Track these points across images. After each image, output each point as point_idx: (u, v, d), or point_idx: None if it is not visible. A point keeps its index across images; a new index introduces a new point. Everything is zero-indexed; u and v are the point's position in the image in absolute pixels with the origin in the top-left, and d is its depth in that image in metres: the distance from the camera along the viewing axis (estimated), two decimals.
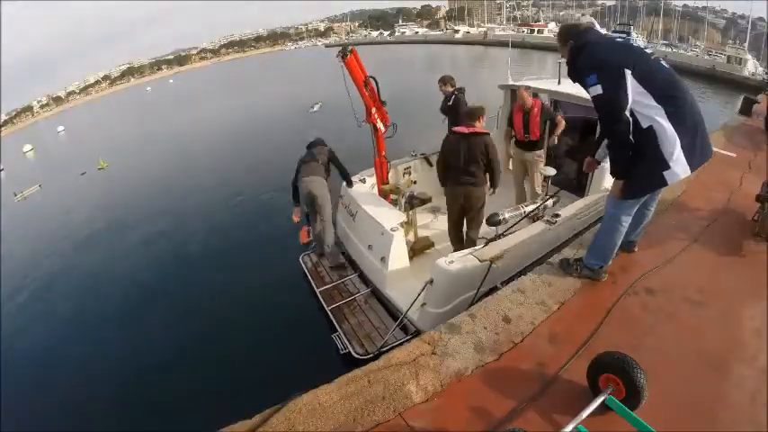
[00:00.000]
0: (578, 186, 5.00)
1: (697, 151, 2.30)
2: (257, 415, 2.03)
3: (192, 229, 8.22)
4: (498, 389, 2.11)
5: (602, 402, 1.82)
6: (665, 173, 2.30)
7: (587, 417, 1.76)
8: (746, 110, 7.74)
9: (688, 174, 2.32)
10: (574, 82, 2.49)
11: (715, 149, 5.17)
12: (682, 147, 2.25)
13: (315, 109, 19.21)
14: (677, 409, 1.94)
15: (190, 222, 8.62)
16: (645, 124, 2.24)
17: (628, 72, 2.18)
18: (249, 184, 10.29)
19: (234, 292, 5.56)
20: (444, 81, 5.16)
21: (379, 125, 4.37)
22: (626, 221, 2.62)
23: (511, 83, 5.63)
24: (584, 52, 2.31)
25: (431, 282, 3.19)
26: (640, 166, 2.33)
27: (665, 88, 2.23)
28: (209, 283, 5.99)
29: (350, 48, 3.91)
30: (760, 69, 21.72)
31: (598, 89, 2.21)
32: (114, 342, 5.13)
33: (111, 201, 11.63)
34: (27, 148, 32.38)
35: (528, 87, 4.76)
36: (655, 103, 2.21)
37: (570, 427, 1.71)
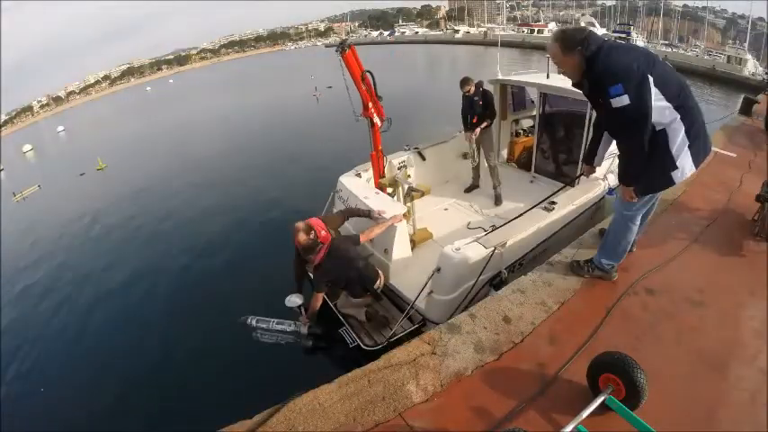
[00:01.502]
0: (563, 175, 5.30)
1: (701, 149, 2.32)
2: (257, 415, 2.04)
3: (190, 228, 8.24)
4: (498, 389, 2.11)
5: (602, 402, 1.83)
6: (672, 173, 2.31)
7: (587, 417, 1.76)
8: (746, 110, 7.73)
9: (694, 171, 2.33)
10: (587, 95, 2.37)
11: (715, 149, 5.22)
12: (689, 147, 2.26)
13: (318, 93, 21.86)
14: (677, 409, 1.94)
15: (187, 222, 8.64)
16: (658, 128, 2.21)
17: (650, 78, 2.09)
18: (248, 183, 10.29)
19: (230, 292, 5.58)
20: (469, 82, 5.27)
21: (376, 120, 4.41)
22: (637, 221, 2.67)
23: (500, 77, 5.95)
24: (600, 59, 2.13)
25: (438, 270, 3.26)
26: (650, 167, 2.32)
27: (677, 91, 2.19)
28: (206, 283, 5.99)
29: (348, 43, 4.00)
30: (760, 69, 21.70)
31: (624, 99, 2.06)
32: (114, 343, 5.13)
33: (109, 203, 11.61)
34: (27, 148, 32.33)
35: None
36: (671, 107, 2.17)
37: (570, 427, 1.71)
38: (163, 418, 3.73)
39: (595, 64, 2.15)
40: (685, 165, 2.29)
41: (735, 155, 5.19)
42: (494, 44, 43.70)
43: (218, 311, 5.25)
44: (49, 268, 7.95)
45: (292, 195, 8.70)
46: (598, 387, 1.90)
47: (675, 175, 2.31)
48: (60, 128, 41.02)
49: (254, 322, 3.92)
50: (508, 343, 2.40)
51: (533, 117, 6.13)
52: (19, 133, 54.96)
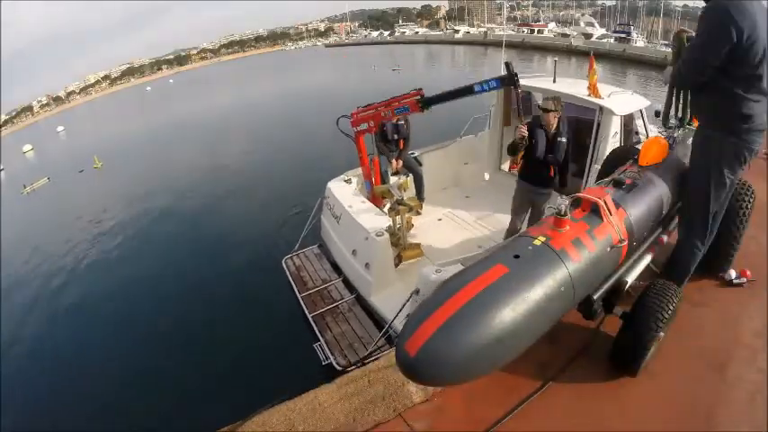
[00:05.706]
0: (567, 186, 4.72)
1: None
2: (257, 415, 2.04)
3: (180, 229, 8.31)
4: (498, 389, 2.11)
5: None
6: None
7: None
8: None
9: None
10: None
11: None
12: None
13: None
14: (677, 409, 1.94)
15: (176, 223, 8.69)
16: None
17: None
18: (238, 185, 10.31)
19: (227, 290, 5.61)
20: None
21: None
22: None
23: None
24: None
25: (417, 292, 3.07)
26: None
27: None
28: (200, 283, 6.01)
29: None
30: None
31: None
32: (112, 343, 5.13)
33: (101, 201, 11.67)
34: (27, 147, 32.31)
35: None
36: None
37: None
38: (163, 418, 3.73)
39: None
40: None
41: None
42: (494, 44, 43.70)
43: (216, 311, 5.25)
44: (41, 268, 7.96)
45: (283, 197, 8.70)
46: None
47: None
48: (60, 128, 40.99)
49: None
50: None
51: None
52: (19, 133, 54.89)
